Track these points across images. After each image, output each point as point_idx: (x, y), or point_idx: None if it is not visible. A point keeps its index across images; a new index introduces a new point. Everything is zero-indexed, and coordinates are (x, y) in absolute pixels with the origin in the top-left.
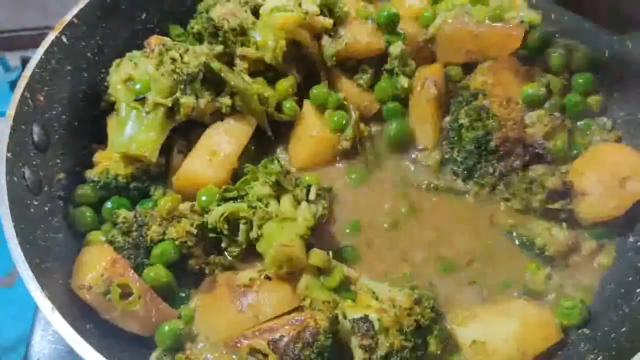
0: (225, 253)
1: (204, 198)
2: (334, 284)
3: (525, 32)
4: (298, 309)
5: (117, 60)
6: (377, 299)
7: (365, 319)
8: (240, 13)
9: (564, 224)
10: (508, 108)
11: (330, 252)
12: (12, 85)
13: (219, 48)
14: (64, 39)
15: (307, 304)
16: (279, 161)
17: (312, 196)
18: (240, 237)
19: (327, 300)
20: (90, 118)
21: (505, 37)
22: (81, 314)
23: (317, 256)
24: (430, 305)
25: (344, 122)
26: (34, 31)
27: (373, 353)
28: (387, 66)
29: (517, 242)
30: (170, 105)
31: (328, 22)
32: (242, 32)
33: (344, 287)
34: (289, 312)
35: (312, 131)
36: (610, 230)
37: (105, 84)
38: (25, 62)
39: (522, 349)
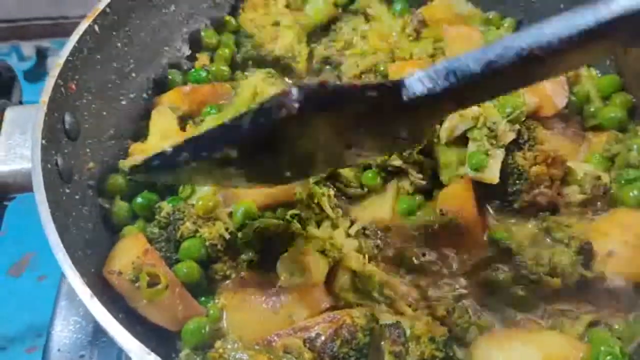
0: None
1: (239, 212)
2: (369, 288)
3: None
4: (331, 309)
5: None
6: (410, 305)
7: (397, 325)
8: None
9: None
10: (550, 167)
11: (367, 256)
12: (26, 74)
13: None
14: (96, 28)
15: (341, 306)
16: (327, 186)
17: (352, 230)
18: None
19: (361, 304)
20: (118, 109)
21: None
22: (111, 304)
23: (353, 259)
24: (463, 316)
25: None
26: (48, 21)
27: None
28: None
29: None
30: None
31: None
32: None
33: (379, 292)
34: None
35: None
36: None
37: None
38: (39, 51)
39: None
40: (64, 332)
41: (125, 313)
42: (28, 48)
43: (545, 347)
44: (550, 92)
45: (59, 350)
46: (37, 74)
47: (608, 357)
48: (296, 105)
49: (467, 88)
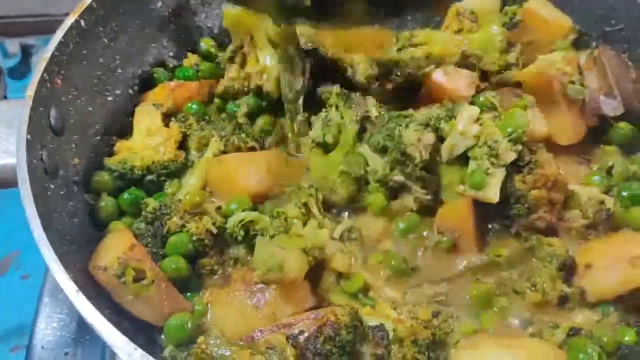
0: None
1: (233, 206)
2: (354, 290)
3: None
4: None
5: None
6: (396, 309)
7: (381, 327)
8: None
9: None
10: (551, 192)
11: (353, 259)
12: (11, 72)
13: None
14: (83, 23)
15: (325, 306)
16: (314, 188)
17: (337, 233)
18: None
19: (346, 305)
20: (104, 105)
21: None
22: (97, 300)
23: (340, 260)
24: (447, 320)
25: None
26: (33, 18)
27: None
28: None
29: None
30: None
31: None
32: None
33: (364, 294)
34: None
35: None
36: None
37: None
38: (25, 49)
39: None
40: (47, 329)
41: (111, 309)
42: (13, 45)
43: (525, 354)
44: (569, 123)
45: (42, 347)
46: (22, 71)
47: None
48: None
49: None
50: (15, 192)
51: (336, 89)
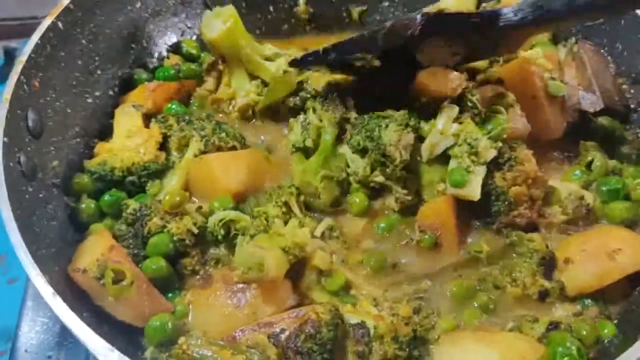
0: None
1: (216, 204)
2: (335, 288)
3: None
4: (297, 307)
5: None
6: (377, 306)
7: (362, 325)
8: None
9: None
10: (531, 188)
11: (334, 257)
12: None
13: None
14: (60, 25)
15: (307, 304)
16: (294, 186)
17: (318, 231)
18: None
19: (327, 303)
20: (83, 106)
21: None
22: (76, 302)
23: (320, 258)
24: (428, 316)
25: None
26: (17, 21)
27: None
28: None
29: None
30: None
31: None
32: None
33: (345, 292)
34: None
35: None
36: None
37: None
38: (8, 52)
39: None
40: (31, 333)
41: (91, 312)
42: None
43: (503, 348)
44: (550, 119)
45: (26, 351)
46: (5, 74)
47: (565, 358)
48: (419, 28)
49: (551, 19)
50: None
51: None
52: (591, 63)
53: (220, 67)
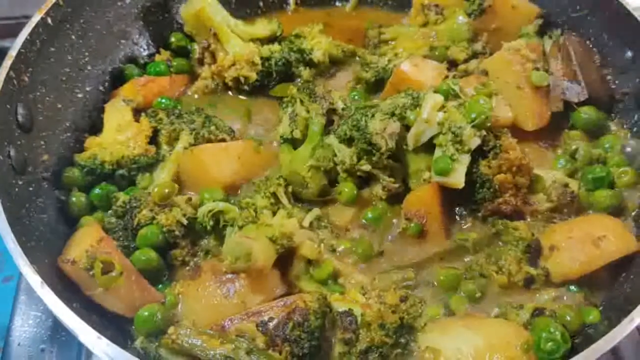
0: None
1: (206, 196)
2: (323, 277)
3: None
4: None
5: None
6: (364, 294)
7: (349, 312)
8: None
9: None
10: (516, 176)
11: (322, 246)
12: None
13: None
14: (49, 20)
15: (295, 293)
16: (282, 177)
17: (306, 221)
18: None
19: (315, 291)
20: (73, 101)
21: None
22: (66, 293)
23: (308, 248)
24: (416, 304)
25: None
26: (10, 20)
27: (352, 347)
28: None
29: None
30: None
31: None
32: None
33: (333, 280)
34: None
35: None
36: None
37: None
38: (1, 51)
39: None
40: (24, 326)
41: (80, 302)
42: None
43: (488, 333)
44: (534, 109)
45: (19, 344)
46: None
47: (549, 343)
48: None
49: None
50: None
51: (296, 84)
52: (577, 54)
53: (212, 46)
